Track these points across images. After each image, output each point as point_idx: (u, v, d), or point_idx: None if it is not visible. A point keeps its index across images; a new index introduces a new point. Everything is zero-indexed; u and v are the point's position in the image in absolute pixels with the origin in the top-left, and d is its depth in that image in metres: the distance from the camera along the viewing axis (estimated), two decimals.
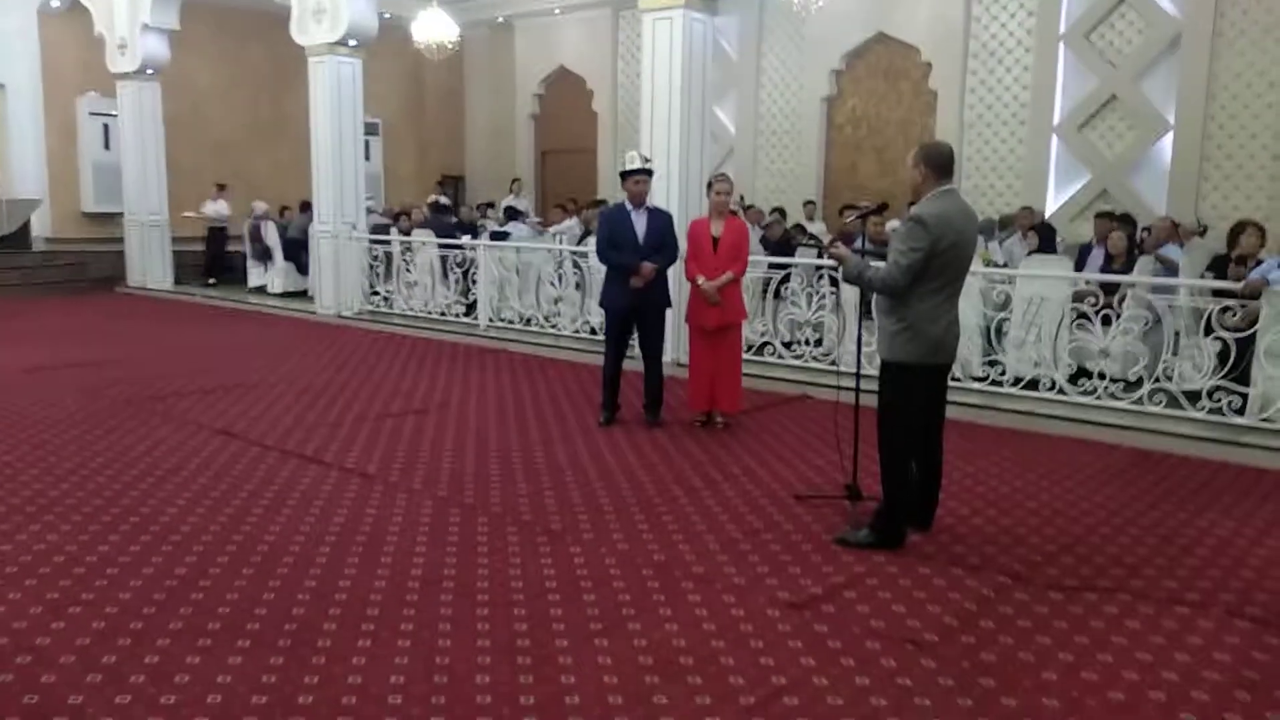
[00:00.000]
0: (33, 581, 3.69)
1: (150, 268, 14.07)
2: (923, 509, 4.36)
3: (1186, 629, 3.40)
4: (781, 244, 9.49)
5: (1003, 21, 12.63)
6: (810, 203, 13.61)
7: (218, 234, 14.35)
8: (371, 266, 11.20)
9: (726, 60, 15.04)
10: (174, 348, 9.38)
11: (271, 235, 13.15)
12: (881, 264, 4.20)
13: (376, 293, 11.18)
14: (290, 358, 8.90)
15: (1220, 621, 3.47)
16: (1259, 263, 6.27)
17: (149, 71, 13.42)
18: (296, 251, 12.91)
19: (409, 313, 10.75)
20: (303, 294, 12.73)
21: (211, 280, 14.13)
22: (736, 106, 15.20)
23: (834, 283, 7.59)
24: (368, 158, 15.61)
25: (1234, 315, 5.86)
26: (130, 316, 11.82)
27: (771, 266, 8.30)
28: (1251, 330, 5.82)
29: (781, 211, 11.73)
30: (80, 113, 15.27)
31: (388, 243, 11.16)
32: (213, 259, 14.35)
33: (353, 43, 10.88)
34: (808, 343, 7.81)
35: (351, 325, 10.90)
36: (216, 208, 14.27)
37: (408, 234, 11.19)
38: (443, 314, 10.44)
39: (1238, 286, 6.01)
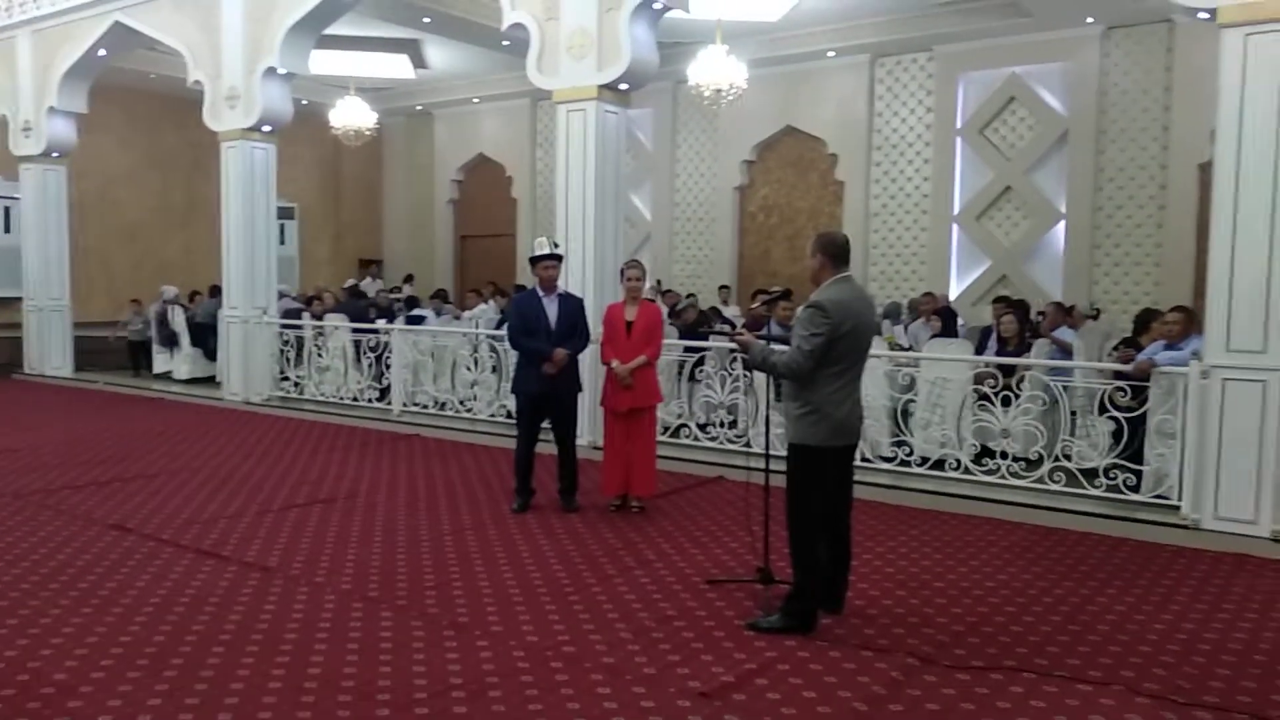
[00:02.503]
0: None
1: (49, 354, 13.54)
2: (833, 591, 4.37)
3: (1089, 707, 3.45)
4: (696, 327, 9.62)
5: (903, 117, 13.26)
6: (725, 287, 13.90)
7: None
8: (282, 352, 10.98)
9: (642, 149, 15.43)
10: (70, 438, 8.99)
11: (179, 320, 12.82)
12: (786, 349, 4.28)
13: (287, 378, 10.94)
14: (194, 446, 8.60)
15: (1120, 698, 3.52)
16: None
17: (54, 154, 13.14)
18: (204, 337, 12.60)
19: (320, 399, 10.53)
20: (210, 380, 12.40)
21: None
22: (653, 194, 15.55)
23: (746, 366, 7.70)
24: (283, 242, 15.49)
25: (1126, 396, 6.11)
26: (25, 405, 11.32)
27: (686, 350, 8.40)
28: (1143, 410, 6.07)
29: (694, 296, 11.94)
30: None
31: (299, 327, 10.98)
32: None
33: (267, 128, 10.84)
34: (722, 425, 7.87)
35: (260, 412, 10.61)
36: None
37: (320, 318, 11.04)
38: (355, 399, 10.25)
39: (1128, 368, 6.28)
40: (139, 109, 15.70)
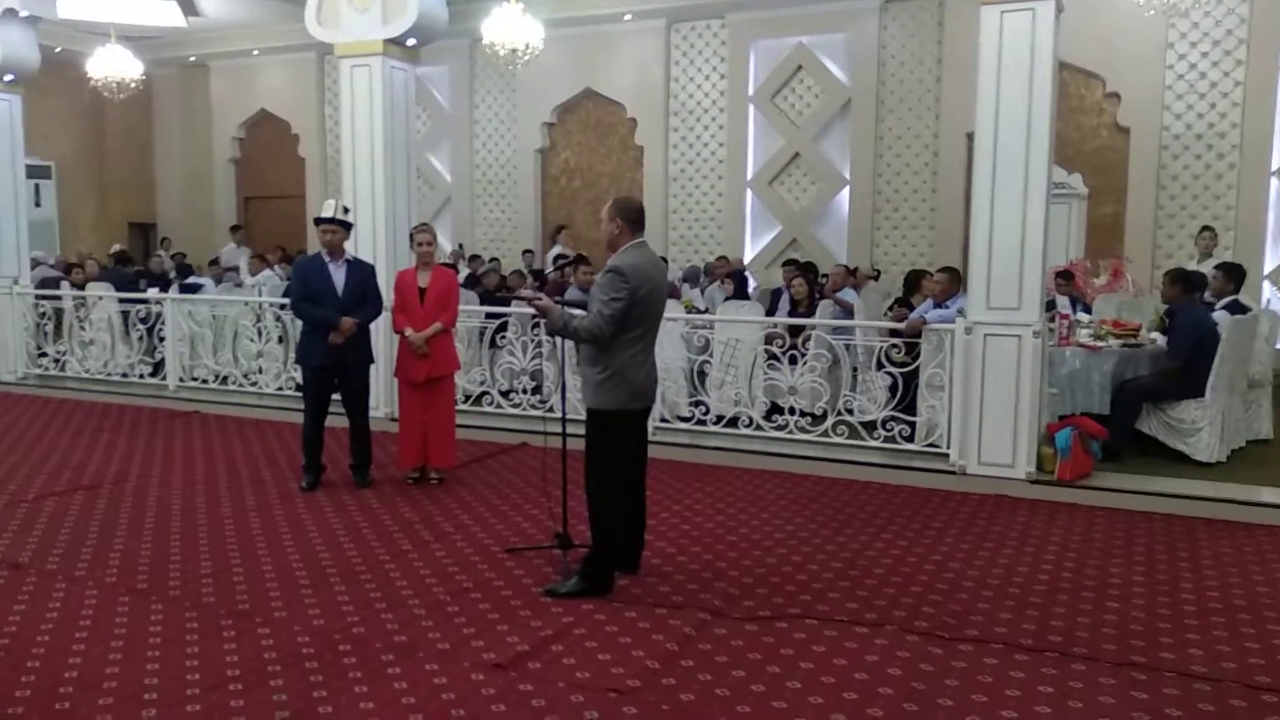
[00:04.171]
0: None
1: None
2: (629, 551, 4.42)
3: (865, 649, 3.66)
4: (498, 292, 9.47)
5: (698, 83, 13.49)
6: (529, 251, 13.76)
7: None
8: (39, 325, 9.96)
9: (439, 109, 14.96)
10: None
11: None
12: (582, 313, 4.26)
13: (45, 354, 9.94)
14: None
15: (893, 638, 3.75)
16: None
17: None
18: None
19: (85, 375, 9.64)
20: None
21: None
22: (451, 155, 15.14)
23: (549, 331, 7.64)
24: (39, 204, 14.05)
25: (900, 352, 6.49)
26: None
27: (488, 316, 8.24)
28: (915, 365, 6.48)
29: (496, 260, 11.75)
30: None
31: (58, 298, 9.99)
32: None
33: (8, 77, 9.72)
34: (525, 391, 7.80)
35: (14, 391, 9.61)
36: None
37: (82, 287, 10.08)
38: (125, 375, 9.45)
39: (901, 326, 6.68)
40: None
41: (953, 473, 6.11)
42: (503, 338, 8.14)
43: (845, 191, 12.77)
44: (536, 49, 10.85)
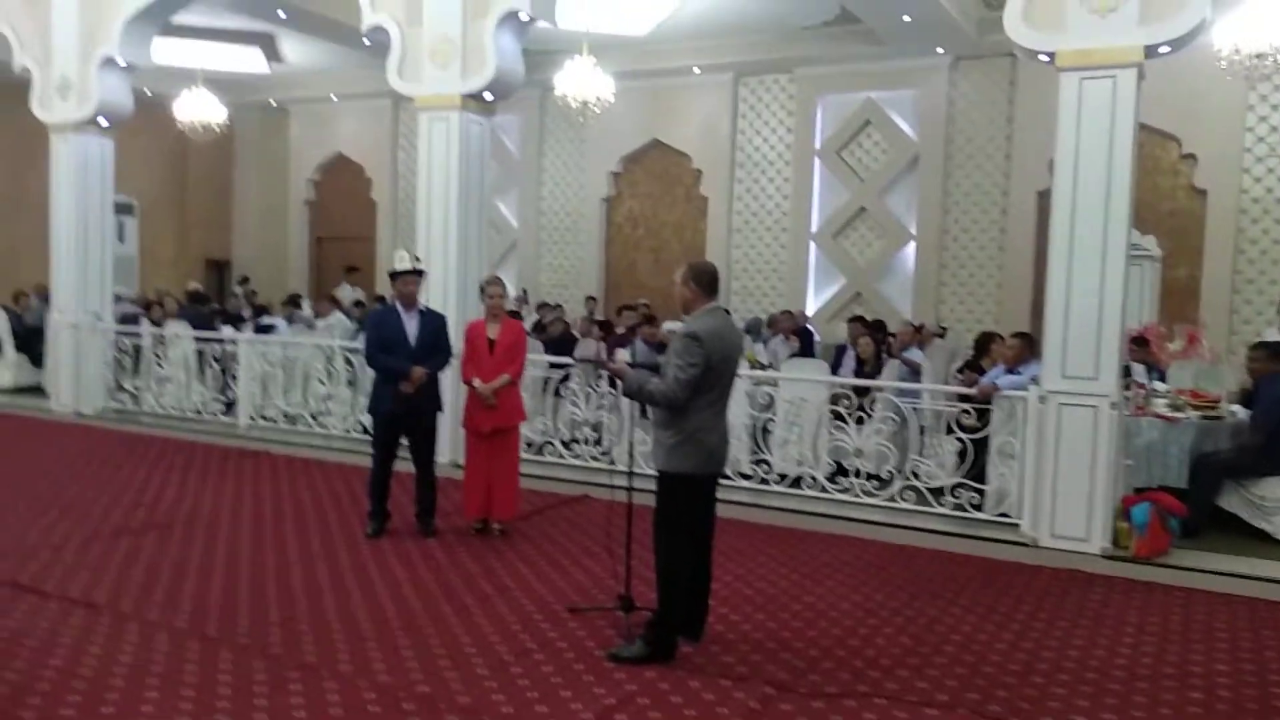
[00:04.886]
0: None
1: None
2: (694, 618, 4.38)
3: None
4: (562, 341, 9.54)
5: (764, 135, 13.57)
6: (592, 299, 13.86)
7: None
8: (118, 360, 10.27)
9: (508, 156, 15.24)
10: None
11: (1, 324, 11.84)
12: (653, 377, 4.27)
13: (123, 389, 10.24)
14: (15, 463, 7.95)
15: None
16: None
17: None
18: (32, 342, 11.67)
19: (160, 411, 9.90)
20: (37, 389, 11.47)
21: None
22: (519, 202, 15.38)
23: (613, 382, 7.68)
24: (121, 240, 14.54)
25: (970, 417, 6.38)
26: None
27: (552, 366, 8.29)
28: (986, 431, 6.35)
29: (560, 308, 11.85)
30: None
31: (138, 335, 10.31)
32: None
33: (104, 121, 10.14)
34: (587, 441, 7.81)
35: (92, 425, 9.90)
36: None
37: (160, 325, 10.39)
38: (199, 413, 9.69)
39: (972, 391, 6.57)
40: None
41: (1024, 545, 5.95)
42: (566, 387, 8.19)
43: (911, 247, 12.68)
44: (606, 101, 11.02)
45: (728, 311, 4.46)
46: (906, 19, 10.56)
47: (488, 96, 7.99)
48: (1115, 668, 4.25)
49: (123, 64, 9.84)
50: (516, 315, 9.49)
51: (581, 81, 10.81)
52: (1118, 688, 4.04)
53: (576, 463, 7.74)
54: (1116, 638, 4.62)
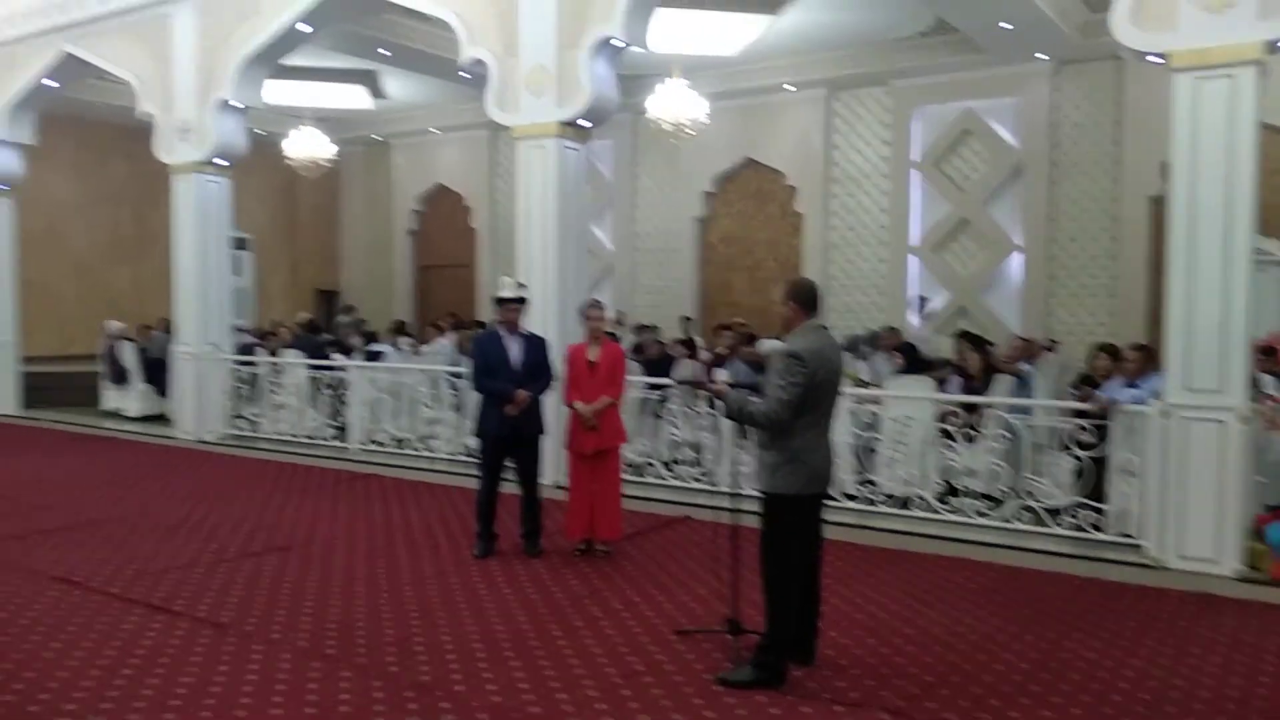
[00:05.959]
0: None
1: None
2: (804, 640, 4.31)
3: None
4: (659, 362, 9.57)
5: (860, 150, 13.42)
6: (687, 319, 13.88)
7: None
8: (237, 388, 10.74)
9: (602, 180, 15.42)
10: (15, 480, 8.69)
11: (129, 356, 12.52)
12: (754, 397, 4.25)
13: (242, 416, 10.69)
14: (144, 488, 8.36)
15: None
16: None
17: (1, 186, 12.82)
18: (157, 373, 12.29)
19: (276, 437, 10.30)
20: (162, 417, 12.07)
21: None
22: (614, 225, 15.54)
23: (712, 403, 7.66)
24: (238, 273, 15.24)
25: (1087, 434, 6.14)
26: None
27: (650, 387, 8.32)
28: (1104, 448, 6.10)
29: (655, 328, 11.88)
30: None
31: (255, 364, 10.76)
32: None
33: (221, 161, 10.66)
34: (688, 463, 7.80)
35: (214, 451, 10.36)
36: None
37: (276, 354, 10.82)
38: (312, 438, 10.04)
39: (1089, 406, 6.33)
40: (88, 140, 15.43)
41: (1149, 566, 5.69)
42: (665, 409, 8.20)
43: (1016, 258, 12.33)
44: (701, 122, 11.06)
45: (828, 329, 4.40)
46: (1005, 26, 10.33)
47: (583, 123, 8.11)
48: (1255, 698, 4.02)
49: (237, 106, 10.34)
50: (613, 337, 9.56)
51: (674, 104, 10.88)
52: None
53: (677, 484, 7.74)
54: (1256, 665, 4.37)
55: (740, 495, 4.66)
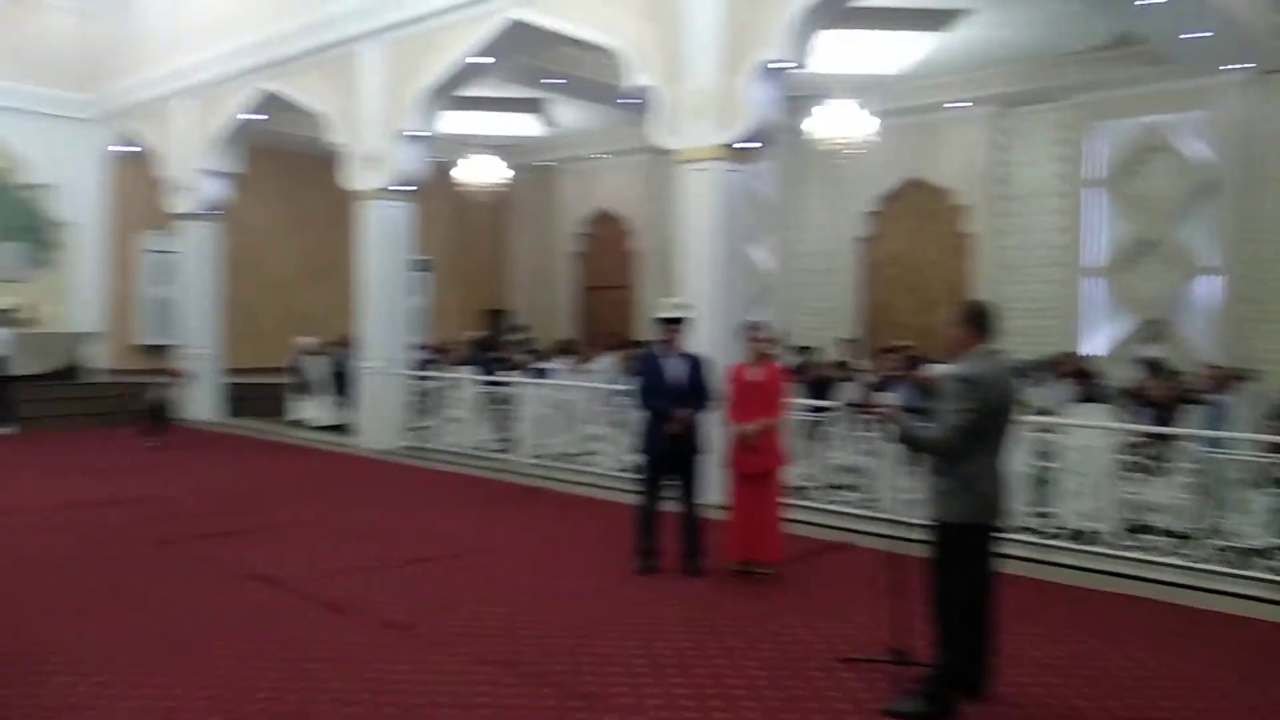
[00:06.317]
0: None
1: (200, 399, 14.32)
2: (975, 675, 4.17)
3: None
4: (820, 384, 9.46)
5: (1032, 168, 12.89)
6: (847, 340, 13.64)
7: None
8: (413, 402, 11.31)
9: (762, 201, 15.38)
10: (213, 484, 9.44)
11: (316, 370, 13.40)
12: (924, 422, 4.16)
13: (417, 428, 11.25)
14: (329, 494, 8.92)
15: None
16: None
17: (209, 212, 14.03)
18: (341, 385, 13.10)
19: (448, 448, 10.79)
20: (344, 427, 12.84)
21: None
22: (774, 246, 15.48)
23: (875, 427, 7.51)
24: (415, 293, 16.09)
25: None
26: (174, 450, 11.95)
27: (810, 409, 8.24)
28: None
29: (811, 350, 11.76)
30: (139, 250, 15.98)
31: (430, 378, 11.31)
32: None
33: (402, 188, 11.31)
34: (850, 487, 7.68)
35: (391, 460, 10.94)
36: None
37: (450, 369, 11.34)
38: (481, 450, 10.46)
39: None
40: (285, 169, 16.62)
41: None
42: (826, 431, 8.10)
43: (1204, 280, 11.51)
44: (866, 141, 10.92)
45: (1001, 353, 4.26)
46: (1194, 36, 9.72)
47: (745, 145, 8.16)
48: None
49: (417, 135, 10.95)
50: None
51: (837, 123, 10.79)
52: None
53: (838, 509, 7.63)
54: None
55: (906, 523, 4.56)
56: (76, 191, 15.68)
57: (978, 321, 4.14)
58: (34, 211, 15.58)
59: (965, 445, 3.97)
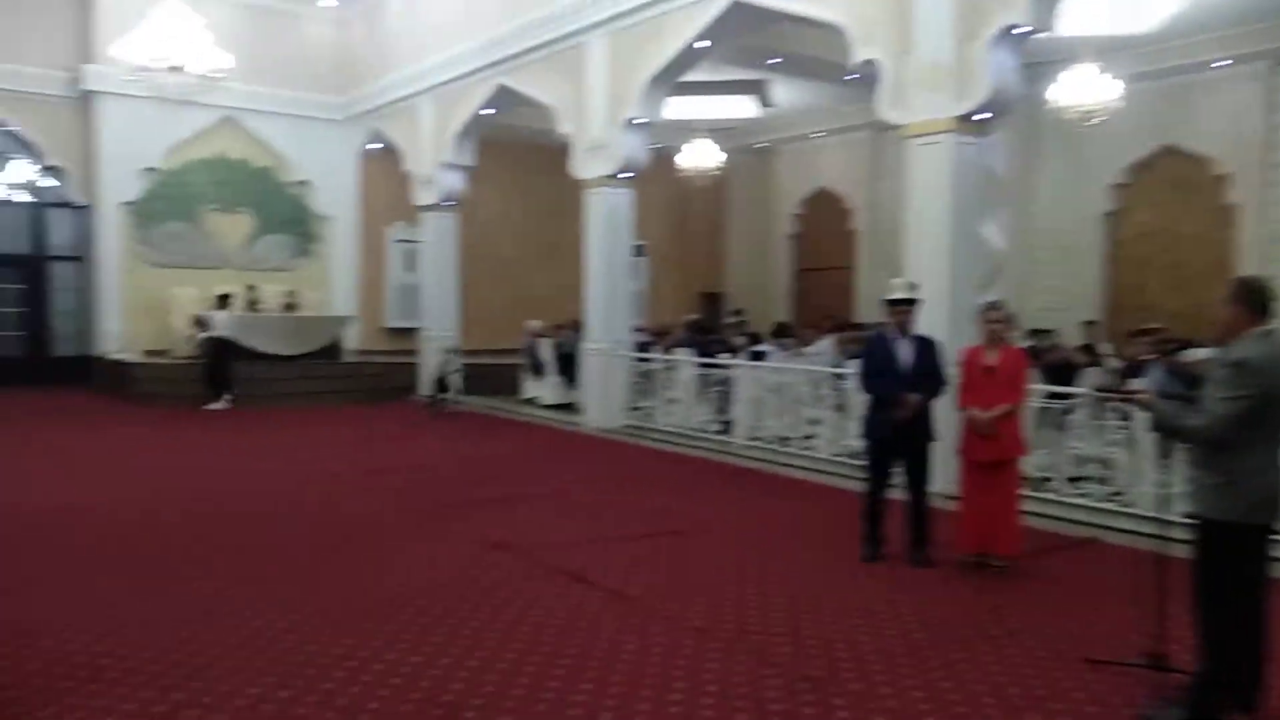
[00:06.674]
0: (329, 685, 3.99)
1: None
2: (1245, 686, 3.80)
3: None
4: (1061, 369, 8.89)
5: None
6: (1092, 323, 12.73)
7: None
8: (635, 383, 11.61)
9: (994, 175, 14.56)
10: (459, 457, 10.11)
11: (545, 351, 14.01)
12: (1184, 409, 3.82)
13: (638, 408, 11.55)
14: (559, 469, 9.33)
15: None
16: None
17: (448, 203, 14.99)
18: (568, 366, 13.64)
19: (667, 428, 11.00)
20: (570, 406, 13.36)
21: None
22: (1005, 223, 14.62)
23: (1125, 415, 6.98)
24: (636, 278, 16.50)
25: None
26: (418, 425, 12.88)
27: (1052, 396, 7.76)
28: None
29: (1051, 333, 11.05)
30: (388, 240, 17.34)
31: (650, 360, 11.56)
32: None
33: (626, 174, 11.58)
34: (1095, 479, 7.18)
35: (614, 439, 11.28)
36: None
37: (669, 352, 11.55)
38: (699, 431, 10.59)
39: None
40: (517, 160, 17.45)
41: None
42: (1068, 419, 7.60)
43: None
44: (1111, 108, 10.12)
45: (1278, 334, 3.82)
46: None
47: (981, 117, 7.77)
48: None
49: (641, 122, 11.17)
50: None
51: (1082, 90, 10.06)
52: None
53: (1082, 502, 7.15)
54: None
55: (1162, 520, 4.21)
56: (333, 187, 17.23)
57: (1253, 300, 3.75)
58: (299, 206, 17.26)
59: (1236, 436, 3.61)
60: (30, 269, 16.22)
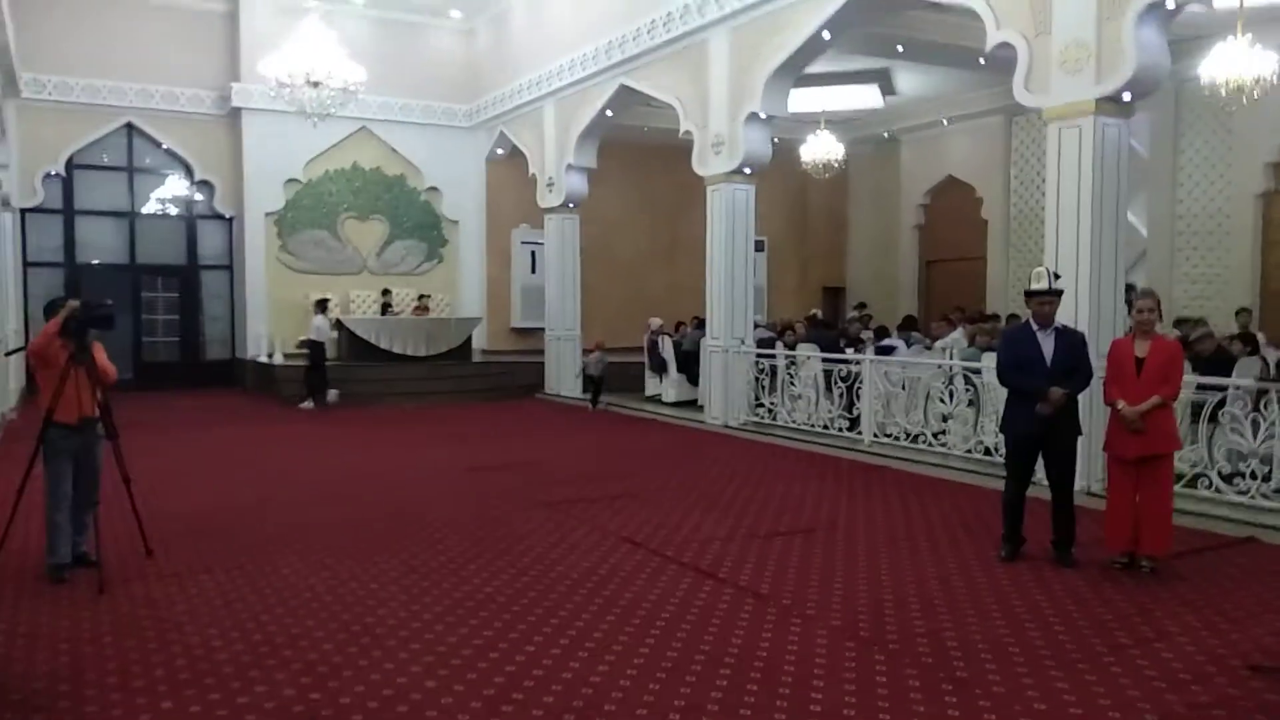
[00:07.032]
0: (473, 676, 4.13)
1: (563, 377, 15.62)
2: None
3: None
4: (1214, 359, 8.40)
5: None
6: (1244, 310, 11.99)
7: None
8: (757, 379, 11.55)
9: (1136, 159, 13.87)
10: (580, 453, 10.28)
11: (666, 349, 14.09)
12: None
13: (761, 405, 11.48)
14: (683, 466, 9.37)
15: None
16: None
17: (570, 205, 15.24)
18: (689, 364, 13.69)
19: (792, 425, 10.90)
20: (692, 403, 13.40)
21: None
22: (1149, 207, 13.94)
23: None
24: (756, 274, 16.43)
25: None
26: (545, 422, 13.15)
27: (1201, 388, 7.35)
28: None
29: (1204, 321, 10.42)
30: (514, 242, 17.79)
31: (773, 356, 11.48)
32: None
33: (747, 170, 11.53)
34: (1254, 476, 6.77)
35: (737, 435, 11.25)
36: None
37: (792, 348, 11.45)
38: (825, 428, 10.46)
39: None
40: (635, 160, 17.62)
41: None
42: (1223, 412, 7.18)
43: None
44: (1268, 83, 9.48)
45: None
46: None
47: (1125, 97, 7.41)
48: None
49: (764, 117, 11.10)
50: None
51: (1235, 64, 9.46)
52: None
53: (1239, 499, 6.75)
54: None
55: None
56: (460, 192, 17.79)
57: None
58: (428, 211, 17.87)
59: None
60: (184, 278, 17.29)
